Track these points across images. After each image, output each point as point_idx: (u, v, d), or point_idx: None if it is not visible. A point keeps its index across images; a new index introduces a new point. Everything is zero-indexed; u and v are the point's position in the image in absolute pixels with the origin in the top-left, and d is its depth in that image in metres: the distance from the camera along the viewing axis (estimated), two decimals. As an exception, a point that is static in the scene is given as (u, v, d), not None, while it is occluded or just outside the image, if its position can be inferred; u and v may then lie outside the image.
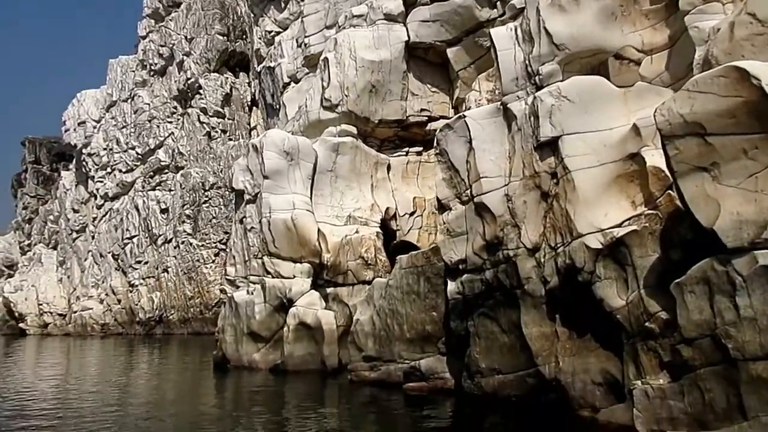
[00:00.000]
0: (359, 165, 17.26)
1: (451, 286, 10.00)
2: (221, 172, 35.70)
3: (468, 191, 9.74)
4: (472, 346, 9.68)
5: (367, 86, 17.39)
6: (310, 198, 16.39)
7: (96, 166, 42.66)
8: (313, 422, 9.36)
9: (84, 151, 43.65)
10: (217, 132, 36.86)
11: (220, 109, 36.95)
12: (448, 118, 18.51)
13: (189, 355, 22.98)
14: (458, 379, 10.23)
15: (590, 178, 8.27)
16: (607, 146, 8.27)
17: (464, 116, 9.89)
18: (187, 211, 35.70)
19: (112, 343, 30.64)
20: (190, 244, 35.10)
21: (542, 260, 8.72)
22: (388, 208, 17.08)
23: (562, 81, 8.87)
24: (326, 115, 17.53)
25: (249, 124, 37.20)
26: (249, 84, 36.56)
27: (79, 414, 10.27)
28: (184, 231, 35.47)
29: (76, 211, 44.82)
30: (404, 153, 18.24)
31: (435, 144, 10.51)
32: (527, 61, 9.32)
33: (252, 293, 15.64)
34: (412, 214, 17.32)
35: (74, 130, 44.85)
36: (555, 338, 8.54)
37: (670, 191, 7.41)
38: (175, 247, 35.86)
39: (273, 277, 15.41)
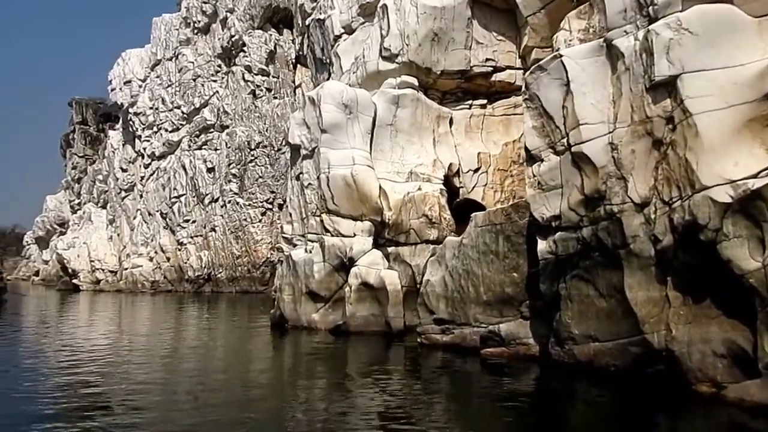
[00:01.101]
0: (420, 119, 16.31)
1: (542, 245, 9.12)
2: (266, 131, 35.20)
3: (564, 140, 8.74)
4: (563, 310, 8.86)
5: (429, 34, 16.28)
6: (370, 153, 15.60)
7: (142, 126, 42.75)
8: (382, 385, 8.77)
9: (130, 110, 43.76)
10: (261, 90, 36.23)
11: (265, 67, 36.21)
12: (515, 69, 17.48)
13: (238, 314, 22.91)
14: (544, 345, 9.46)
15: (716, 122, 7.20)
16: (737, 85, 7.15)
17: (560, 56, 8.82)
18: (233, 171, 35.47)
19: (163, 299, 31.01)
20: (237, 203, 34.97)
21: (653, 216, 7.74)
22: (451, 164, 16.15)
23: (681, 11, 7.71)
24: (385, 66, 16.54)
25: (293, 82, 36.32)
26: (293, 41, 35.53)
27: (137, 371, 9.99)
28: (231, 190, 35.33)
29: (124, 171, 45.27)
30: (467, 106, 17.14)
31: (524, 88, 9.48)
32: (638, -10, 8.15)
33: (310, 252, 15.09)
34: (476, 170, 16.34)
35: (120, 89, 44.91)
36: (665, 304, 7.64)
37: (825, 135, 6.33)
38: (222, 206, 35.82)
39: (332, 236, 14.80)
